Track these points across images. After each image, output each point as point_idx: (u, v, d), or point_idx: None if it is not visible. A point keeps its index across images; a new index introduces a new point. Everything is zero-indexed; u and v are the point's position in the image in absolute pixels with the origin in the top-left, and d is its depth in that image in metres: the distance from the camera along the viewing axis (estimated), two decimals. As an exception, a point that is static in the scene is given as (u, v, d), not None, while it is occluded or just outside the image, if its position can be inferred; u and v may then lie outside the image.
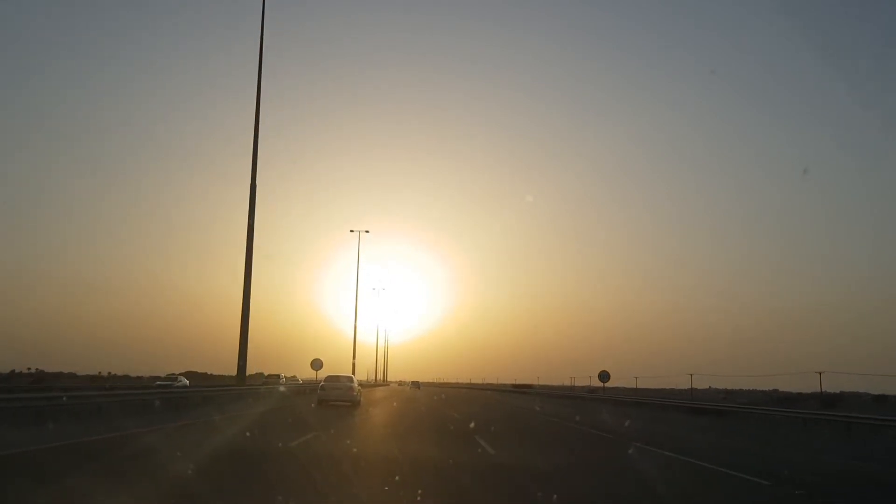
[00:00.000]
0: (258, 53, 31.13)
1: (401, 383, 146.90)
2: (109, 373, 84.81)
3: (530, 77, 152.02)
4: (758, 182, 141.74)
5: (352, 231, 64.72)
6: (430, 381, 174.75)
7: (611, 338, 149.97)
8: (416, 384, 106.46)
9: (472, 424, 20.68)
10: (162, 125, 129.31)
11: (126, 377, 77.17)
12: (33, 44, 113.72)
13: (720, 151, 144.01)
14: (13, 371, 71.01)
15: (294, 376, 69.87)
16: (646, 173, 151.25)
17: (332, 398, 29.58)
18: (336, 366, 57.22)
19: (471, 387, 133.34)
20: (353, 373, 47.50)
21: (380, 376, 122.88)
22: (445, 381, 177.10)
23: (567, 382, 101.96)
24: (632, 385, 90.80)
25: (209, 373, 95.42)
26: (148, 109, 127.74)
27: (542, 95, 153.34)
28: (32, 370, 74.30)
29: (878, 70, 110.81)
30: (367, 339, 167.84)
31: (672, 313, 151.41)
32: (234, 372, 31.05)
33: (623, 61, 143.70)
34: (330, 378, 31.69)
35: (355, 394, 30.71)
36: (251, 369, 37.26)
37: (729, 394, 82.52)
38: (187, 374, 59.68)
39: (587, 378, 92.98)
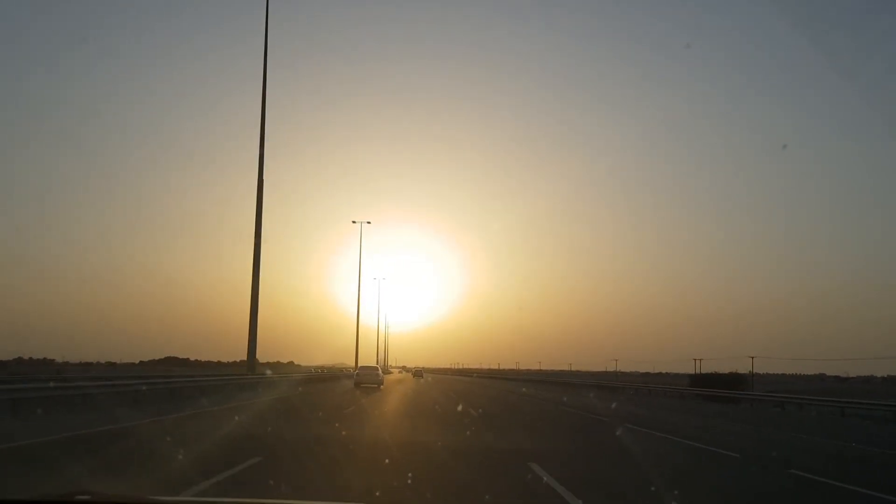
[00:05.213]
0: (263, 48, 32.69)
1: (402, 370, 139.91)
2: (120, 361, 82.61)
3: (540, 66, 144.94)
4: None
5: (354, 222, 64.40)
6: (445, 367, 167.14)
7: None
8: (418, 372, 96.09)
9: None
10: (167, 120, 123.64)
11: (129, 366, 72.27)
12: (35, 38, 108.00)
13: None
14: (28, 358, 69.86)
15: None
16: (653, 160, 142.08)
17: (363, 381, 39.34)
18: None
19: (501, 375, 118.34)
20: (377, 363, 65.84)
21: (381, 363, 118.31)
22: (465, 366, 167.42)
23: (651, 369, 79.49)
24: (643, 369, 76.49)
25: (218, 360, 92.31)
26: (153, 104, 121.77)
27: (551, 84, 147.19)
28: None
29: (855, 42, 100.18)
30: (371, 324, 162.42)
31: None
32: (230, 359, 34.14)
33: (625, 55, 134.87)
34: (362, 367, 45.10)
35: (380, 378, 41.26)
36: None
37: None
38: (168, 360, 57.50)
39: (678, 363, 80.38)
